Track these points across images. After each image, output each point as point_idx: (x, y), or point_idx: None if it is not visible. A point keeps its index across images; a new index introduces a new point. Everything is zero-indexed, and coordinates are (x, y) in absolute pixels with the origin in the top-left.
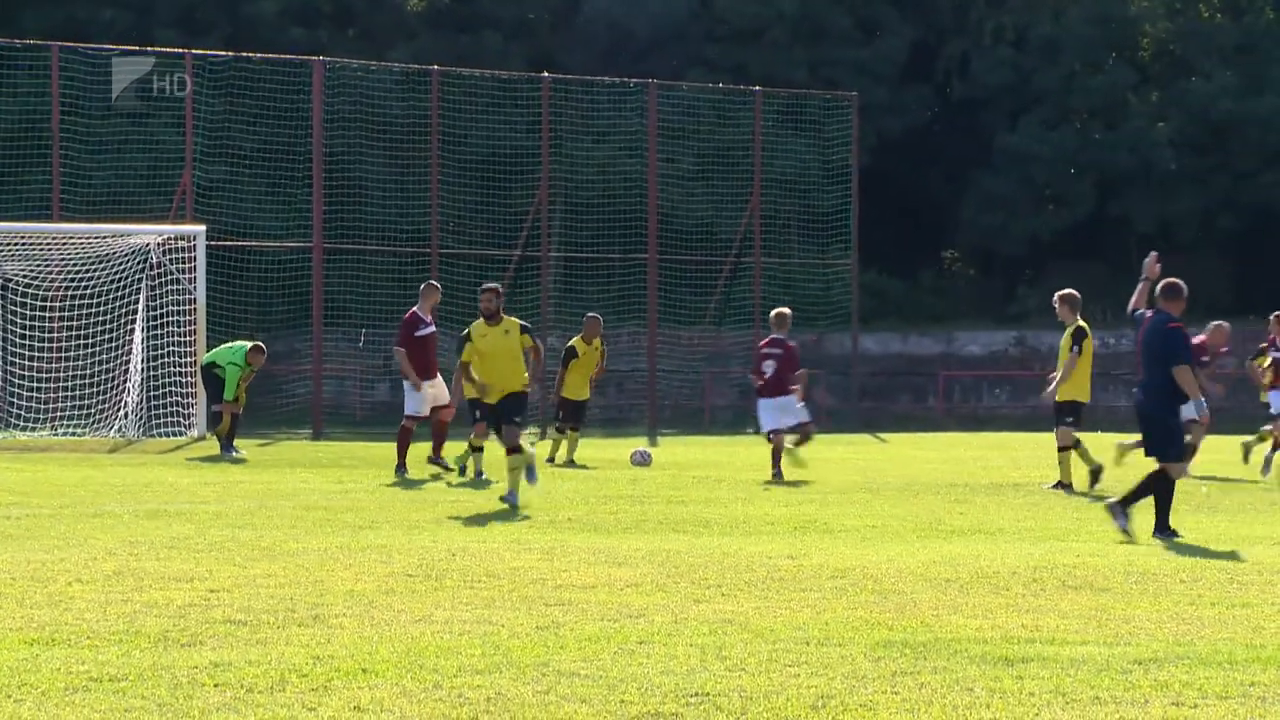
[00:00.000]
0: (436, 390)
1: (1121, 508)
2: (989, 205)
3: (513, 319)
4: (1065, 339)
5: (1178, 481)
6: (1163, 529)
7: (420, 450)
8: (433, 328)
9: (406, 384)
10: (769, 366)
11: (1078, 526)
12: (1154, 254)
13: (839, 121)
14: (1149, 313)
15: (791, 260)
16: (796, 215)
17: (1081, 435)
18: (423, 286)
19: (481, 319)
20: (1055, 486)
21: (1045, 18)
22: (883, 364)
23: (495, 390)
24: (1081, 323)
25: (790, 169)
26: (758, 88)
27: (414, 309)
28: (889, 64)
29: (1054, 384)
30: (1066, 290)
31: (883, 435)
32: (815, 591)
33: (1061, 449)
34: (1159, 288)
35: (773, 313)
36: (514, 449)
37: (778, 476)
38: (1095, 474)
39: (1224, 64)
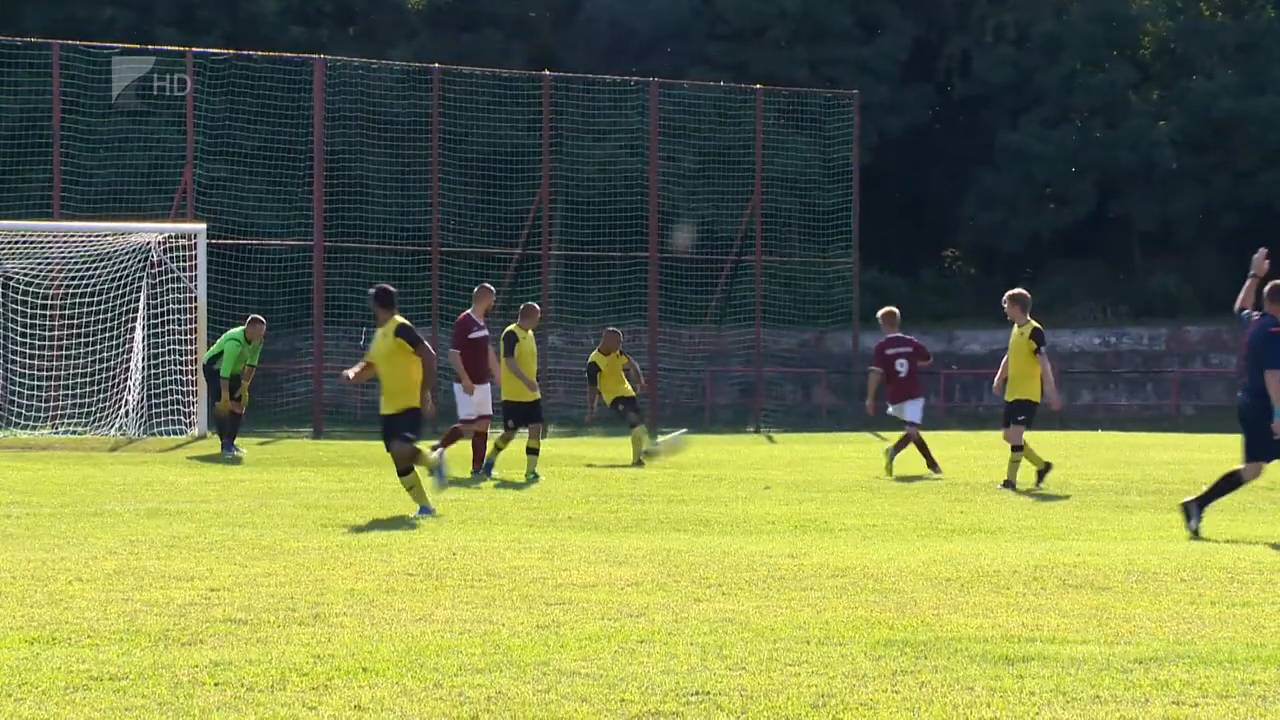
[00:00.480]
0: (481, 396)
1: (1198, 508)
2: (990, 204)
3: (396, 319)
4: (1023, 340)
5: (1180, 481)
6: (1200, 506)
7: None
8: (486, 331)
9: (458, 387)
10: (903, 365)
11: (1078, 525)
12: (1263, 250)
13: (840, 120)
14: (1256, 314)
15: (793, 259)
16: (797, 214)
17: (1083, 433)
18: (476, 290)
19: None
20: (1004, 485)
21: (1047, 15)
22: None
23: (385, 398)
24: (1035, 323)
25: (791, 167)
26: (759, 86)
27: (467, 312)
28: (890, 62)
29: (1002, 381)
30: (1016, 290)
31: (884, 434)
32: (816, 590)
33: (1015, 449)
34: (1266, 289)
35: (883, 312)
36: (403, 471)
37: (933, 466)
38: (1042, 472)
39: (1225, 62)
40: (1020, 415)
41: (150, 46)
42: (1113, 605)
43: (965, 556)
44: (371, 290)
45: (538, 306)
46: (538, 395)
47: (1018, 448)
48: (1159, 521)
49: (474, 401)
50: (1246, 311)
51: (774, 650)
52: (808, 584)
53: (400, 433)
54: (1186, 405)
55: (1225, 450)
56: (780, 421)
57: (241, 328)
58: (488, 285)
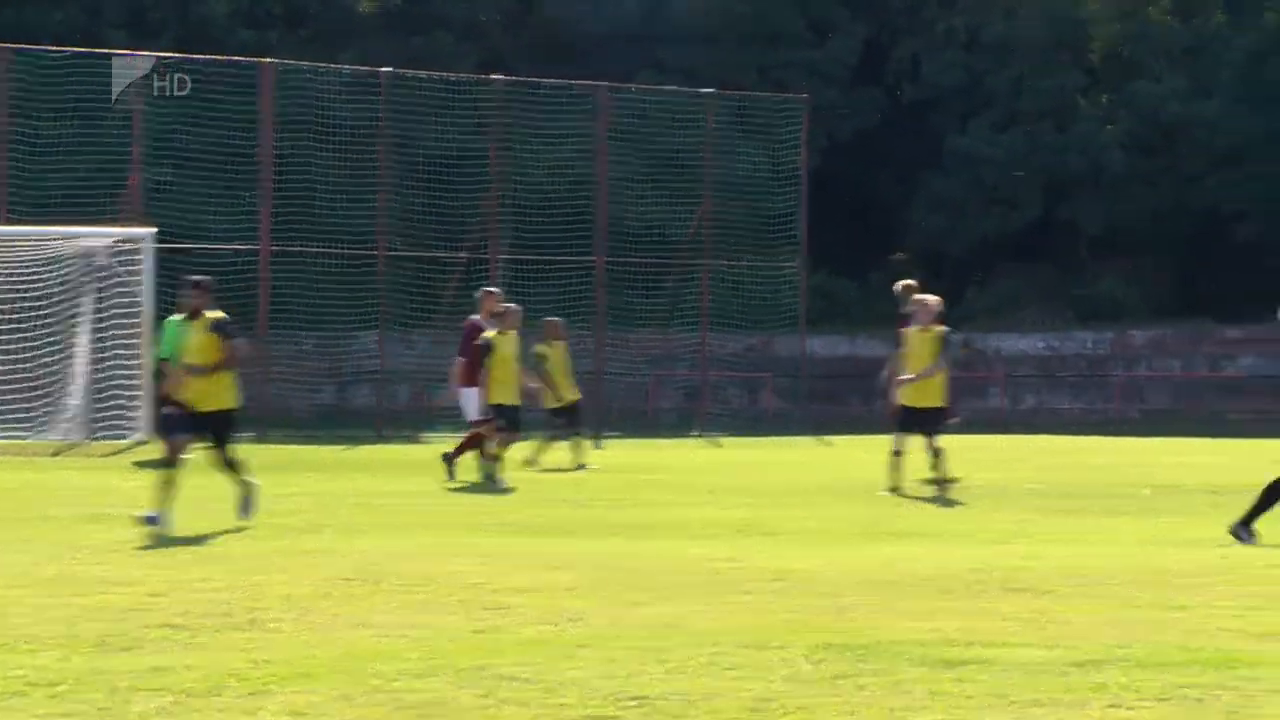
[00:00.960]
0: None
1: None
2: (938, 207)
3: (214, 314)
4: (931, 342)
5: (1122, 484)
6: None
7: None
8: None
9: (463, 392)
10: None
11: (1020, 529)
12: None
13: (789, 124)
14: None
15: (740, 263)
16: (745, 218)
17: (1026, 437)
18: (478, 294)
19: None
20: (940, 485)
21: (997, 18)
22: (831, 366)
23: (195, 396)
24: (945, 328)
25: (740, 171)
26: (709, 90)
27: (473, 317)
28: (840, 66)
29: (907, 380)
30: (925, 295)
31: (828, 438)
32: (755, 594)
33: (935, 452)
34: None
35: (904, 284)
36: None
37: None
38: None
39: (1173, 66)
40: (945, 419)
41: (99, 50)
42: (1052, 609)
43: (905, 560)
44: (194, 279)
45: (516, 307)
46: (519, 401)
47: (937, 451)
48: (1101, 525)
49: (478, 405)
50: None
51: (713, 654)
52: (747, 587)
53: (225, 451)
54: (1130, 409)
55: (1169, 454)
56: (726, 425)
57: (181, 315)
58: (489, 289)
